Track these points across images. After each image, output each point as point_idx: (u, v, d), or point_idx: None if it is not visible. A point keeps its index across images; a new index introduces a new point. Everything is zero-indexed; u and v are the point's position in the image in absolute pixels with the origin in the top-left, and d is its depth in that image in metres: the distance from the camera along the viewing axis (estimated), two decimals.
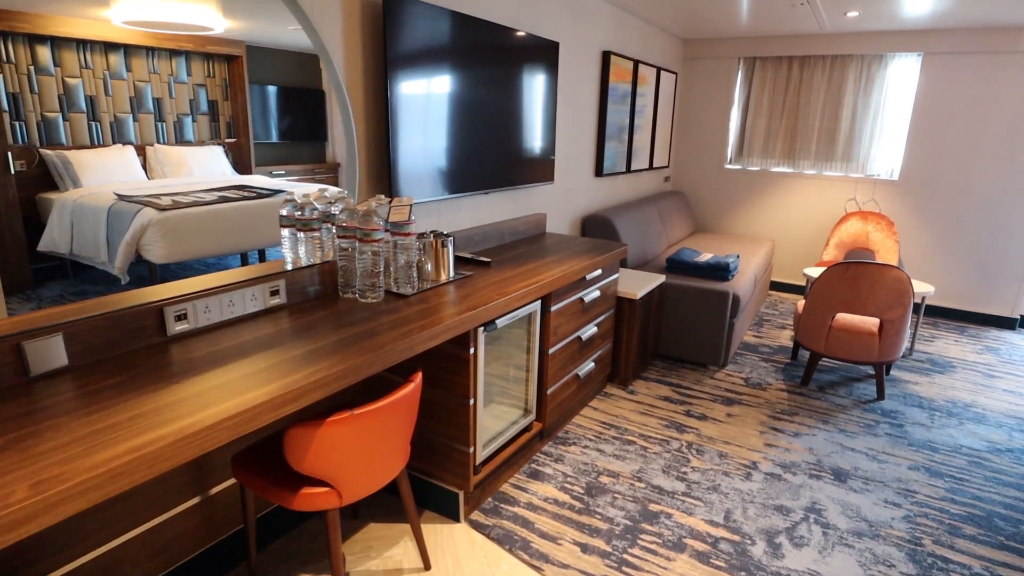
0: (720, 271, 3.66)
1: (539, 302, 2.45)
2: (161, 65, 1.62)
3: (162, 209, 1.65)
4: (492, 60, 2.65)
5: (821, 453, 2.78)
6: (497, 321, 2.16)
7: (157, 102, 1.63)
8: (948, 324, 4.70)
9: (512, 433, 2.47)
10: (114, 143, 1.57)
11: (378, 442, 1.62)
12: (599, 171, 3.98)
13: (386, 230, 2.06)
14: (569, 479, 2.51)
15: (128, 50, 1.54)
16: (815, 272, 3.97)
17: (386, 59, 2.11)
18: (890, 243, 4.59)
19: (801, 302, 3.62)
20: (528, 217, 3.24)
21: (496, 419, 2.48)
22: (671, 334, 3.67)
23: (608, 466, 2.61)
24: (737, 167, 5.35)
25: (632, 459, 2.67)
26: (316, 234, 2.05)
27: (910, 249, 4.84)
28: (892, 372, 3.73)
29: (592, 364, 3.03)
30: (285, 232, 2.05)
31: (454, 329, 1.85)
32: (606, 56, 3.81)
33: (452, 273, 2.32)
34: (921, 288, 3.71)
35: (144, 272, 1.64)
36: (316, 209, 2.02)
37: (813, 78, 4.89)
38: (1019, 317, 4.62)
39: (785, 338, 4.24)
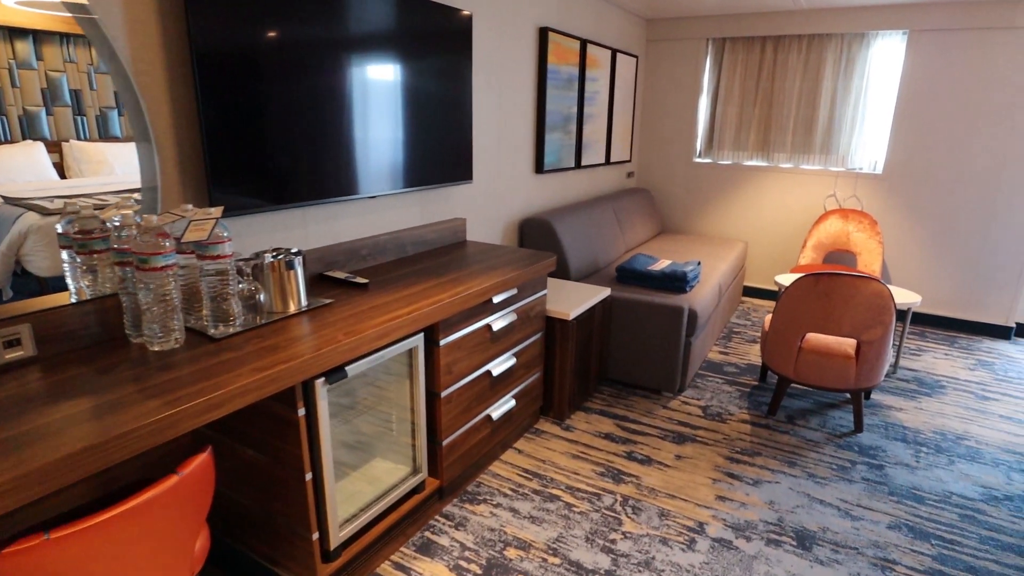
0: (676, 282, 3.17)
1: (421, 335, 1.95)
2: (79, 53, 1.47)
3: (47, 214, 1.46)
4: (378, 33, 2.14)
5: (784, 508, 2.30)
6: (350, 367, 1.66)
7: (75, 94, 1.49)
8: (937, 334, 4.23)
9: (397, 496, 1.97)
10: (25, 139, 1.42)
11: (120, 565, 1.11)
12: (539, 167, 3.47)
13: (191, 252, 1.55)
14: (467, 553, 2.02)
15: (38, 36, 1.40)
16: (788, 280, 3.49)
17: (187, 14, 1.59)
18: (873, 244, 4.11)
19: (769, 317, 3.13)
20: (440, 224, 2.74)
21: (372, 483, 1.98)
22: (620, 355, 3.18)
23: (520, 533, 2.12)
24: (707, 161, 4.85)
25: (551, 522, 2.18)
26: (99, 257, 1.55)
27: (895, 251, 4.36)
28: (874, 394, 3.25)
29: (512, 401, 2.53)
30: (64, 255, 1.54)
31: (261, 389, 1.35)
32: (543, 33, 3.29)
33: (304, 302, 1.81)
34: (906, 299, 3.23)
35: (35, 287, 1.46)
36: (103, 224, 1.52)
37: (788, 61, 4.39)
38: (1015, 326, 4.15)
39: (755, 354, 3.75)
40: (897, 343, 3.85)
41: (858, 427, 2.87)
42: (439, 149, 2.54)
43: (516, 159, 3.29)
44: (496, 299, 2.26)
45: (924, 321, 4.40)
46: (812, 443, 2.76)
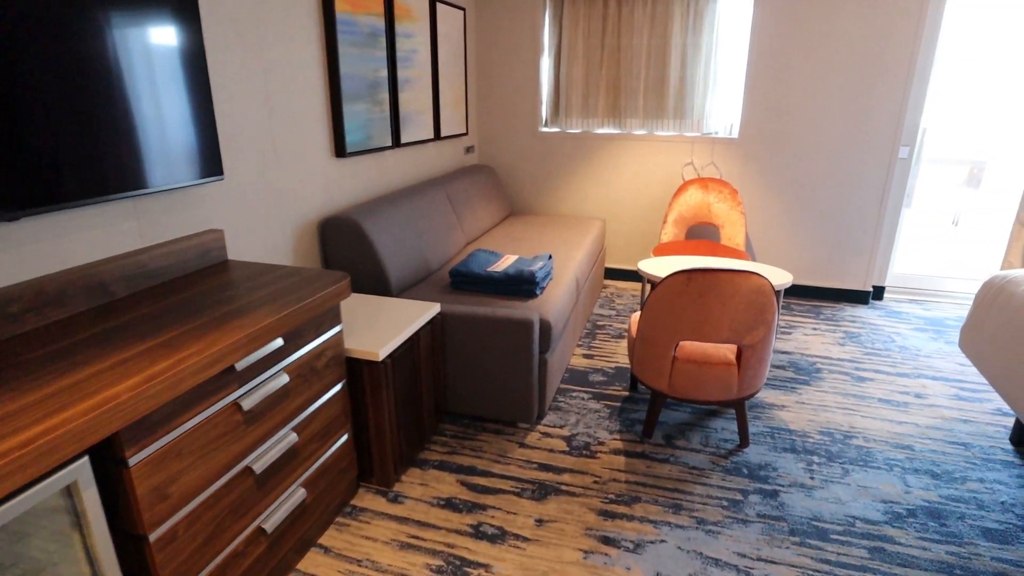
0: (523, 284, 2.54)
1: (86, 459, 1.13)
2: None
3: None
4: None
5: None
6: None
7: None
8: (802, 305, 4.02)
9: None
10: None
11: None
12: (340, 149, 2.66)
13: None
14: None
15: None
16: (651, 266, 2.99)
17: None
18: (735, 216, 3.77)
19: (636, 317, 2.61)
20: (175, 243, 1.86)
21: None
22: (462, 385, 2.51)
23: None
24: (555, 130, 4.27)
25: None
26: None
27: (756, 220, 4.07)
28: None
29: (301, 491, 1.77)
30: None
31: None
32: None
33: None
34: (780, 280, 2.86)
35: None
36: None
37: (634, 15, 3.88)
38: (872, 289, 4.03)
39: (624, 354, 3.27)
40: None
41: (744, 442, 2.44)
42: (156, 134, 1.66)
43: (302, 140, 2.45)
44: (244, 364, 1.46)
45: (788, 292, 4.19)
46: (697, 472, 2.28)
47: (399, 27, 3.01)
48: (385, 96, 2.93)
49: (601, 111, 4.11)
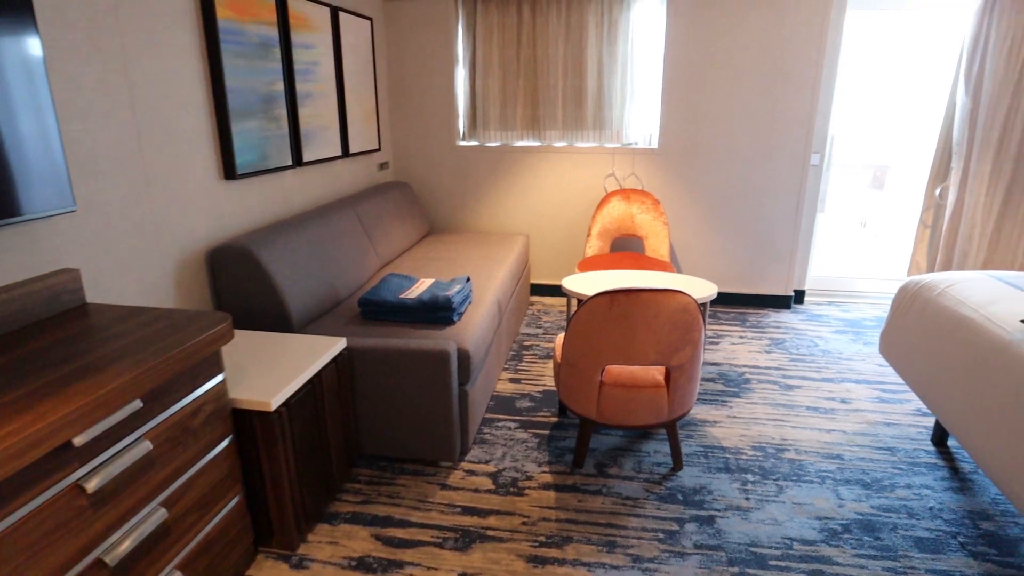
0: (439, 311, 2.36)
1: None
2: None
3: None
4: None
5: None
6: None
7: None
8: (728, 313, 4.02)
9: None
10: None
11: None
12: (230, 171, 2.40)
13: None
14: None
15: None
16: (576, 284, 2.88)
17: None
18: (659, 226, 3.72)
19: (560, 340, 2.48)
20: (12, 290, 1.57)
21: None
22: (377, 425, 2.30)
23: None
24: (473, 144, 4.12)
25: None
26: None
27: (679, 230, 4.06)
28: None
29: (178, 575, 1.51)
30: None
31: None
32: None
33: None
34: (704, 292, 2.80)
35: None
36: None
37: (549, 25, 3.80)
38: (793, 294, 4.09)
39: (552, 376, 3.13)
40: None
41: (677, 464, 2.34)
42: None
43: (183, 162, 2.18)
44: (86, 437, 1.21)
45: (714, 300, 4.19)
46: (631, 502, 2.16)
47: (296, 37, 2.78)
48: (282, 111, 2.69)
49: (520, 123, 4.00)
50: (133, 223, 1.98)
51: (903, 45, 4.09)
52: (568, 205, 4.12)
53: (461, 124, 4.12)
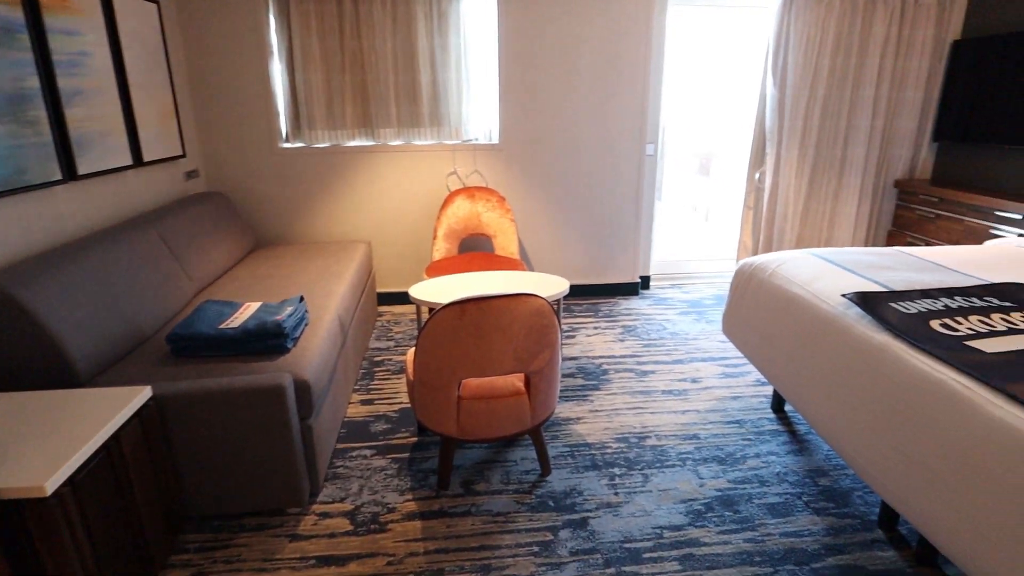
0: (268, 339, 2.05)
1: None
2: None
3: None
4: None
5: None
6: None
7: None
8: (580, 305, 4.07)
9: None
10: None
11: None
12: None
13: None
14: None
15: None
16: (423, 292, 2.69)
17: None
18: (506, 224, 3.65)
19: (411, 355, 2.28)
20: None
21: None
22: (205, 479, 1.94)
23: None
24: (299, 145, 3.75)
25: None
26: None
27: (527, 226, 4.02)
28: None
29: None
30: None
31: None
32: None
33: None
34: (556, 289, 2.75)
35: None
36: None
37: (373, 15, 3.54)
38: (639, 280, 4.24)
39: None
40: None
41: (545, 469, 2.25)
42: None
43: None
44: None
45: (567, 294, 4.22)
46: (502, 519, 2.03)
47: (52, 21, 2.27)
48: (40, 113, 2.18)
49: (350, 121, 3.70)
50: None
51: (721, 40, 4.40)
52: (410, 207, 3.91)
53: (283, 124, 3.73)
